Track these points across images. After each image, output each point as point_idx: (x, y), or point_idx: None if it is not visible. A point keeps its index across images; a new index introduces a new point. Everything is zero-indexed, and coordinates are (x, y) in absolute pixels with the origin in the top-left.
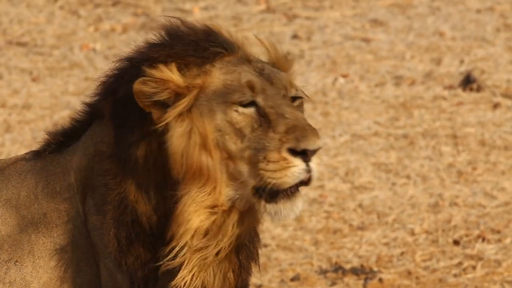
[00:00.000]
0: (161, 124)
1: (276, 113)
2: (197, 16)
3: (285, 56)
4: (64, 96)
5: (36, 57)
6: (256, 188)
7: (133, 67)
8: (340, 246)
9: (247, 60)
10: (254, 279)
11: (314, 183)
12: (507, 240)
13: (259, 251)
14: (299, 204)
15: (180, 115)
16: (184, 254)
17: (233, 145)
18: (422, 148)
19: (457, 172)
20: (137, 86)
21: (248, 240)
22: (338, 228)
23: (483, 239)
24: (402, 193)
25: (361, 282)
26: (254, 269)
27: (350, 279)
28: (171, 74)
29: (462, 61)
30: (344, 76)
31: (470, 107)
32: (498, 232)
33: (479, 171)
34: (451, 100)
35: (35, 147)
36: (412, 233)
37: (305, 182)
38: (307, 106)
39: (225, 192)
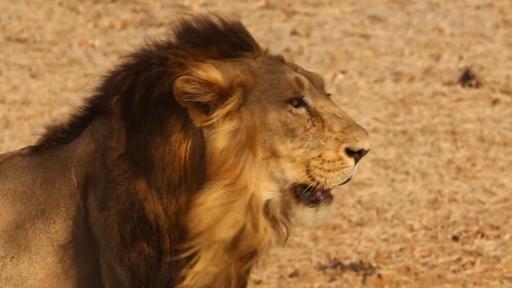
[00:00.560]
0: (207, 123)
1: (327, 112)
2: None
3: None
4: (63, 93)
5: (35, 53)
6: (295, 188)
7: (151, 66)
8: (339, 242)
9: (280, 59)
10: (253, 275)
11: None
12: (506, 236)
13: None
14: (333, 208)
15: (227, 114)
16: (200, 253)
17: (281, 145)
18: (421, 144)
19: (456, 168)
20: (180, 84)
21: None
22: (337, 224)
23: (482, 235)
24: (401, 189)
25: (360, 278)
26: (254, 267)
27: (349, 275)
28: (215, 75)
29: (461, 57)
30: (343, 72)
31: (469, 103)
32: (497, 228)
33: (478, 167)
34: (450, 96)
35: (33, 143)
36: (411, 229)
37: (343, 182)
38: None
39: (261, 194)
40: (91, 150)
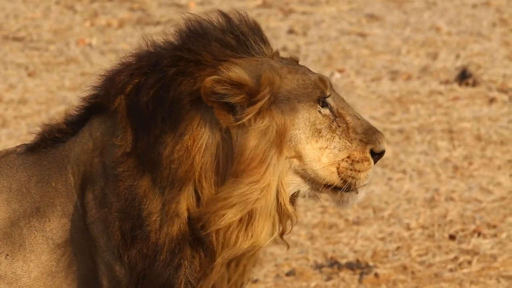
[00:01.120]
0: (238, 123)
1: (349, 114)
2: (192, 12)
3: None
4: (60, 91)
5: (32, 52)
6: (327, 185)
7: (163, 67)
8: (336, 241)
9: (295, 60)
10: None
11: None
12: (503, 235)
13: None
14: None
15: (259, 112)
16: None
17: (307, 144)
18: (418, 143)
19: (453, 167)
20: (210, 84)
21: None
22: (334, 223)
23: (479, 234)
24: (398, 188)
25: (357, 277)
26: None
27: (345, 274)
28: (245, 76)
29: (458, 56)
30: (340, 71)
31: (466, 102)
32: (494, 227)
33: (475, 166)
34: (447, 95)
35: (30, 141)
36: (408, 228)
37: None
38: None
39: (285, 191)
40: (88, 148)
